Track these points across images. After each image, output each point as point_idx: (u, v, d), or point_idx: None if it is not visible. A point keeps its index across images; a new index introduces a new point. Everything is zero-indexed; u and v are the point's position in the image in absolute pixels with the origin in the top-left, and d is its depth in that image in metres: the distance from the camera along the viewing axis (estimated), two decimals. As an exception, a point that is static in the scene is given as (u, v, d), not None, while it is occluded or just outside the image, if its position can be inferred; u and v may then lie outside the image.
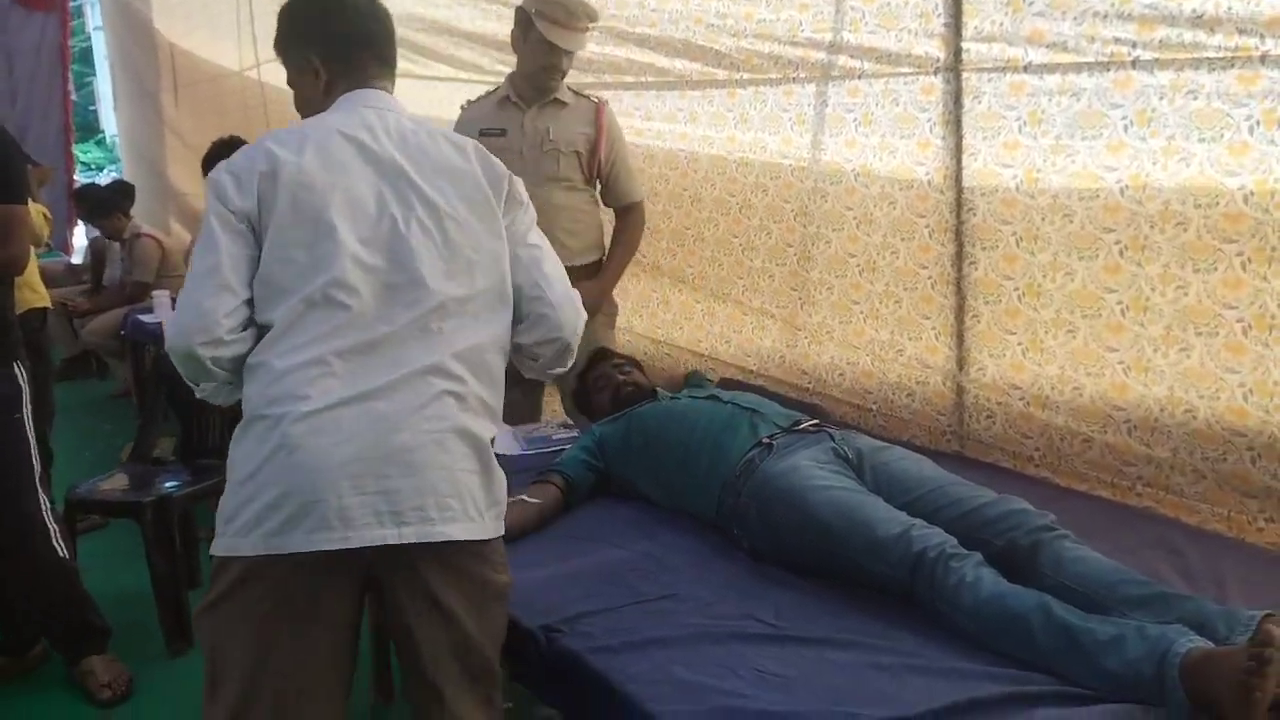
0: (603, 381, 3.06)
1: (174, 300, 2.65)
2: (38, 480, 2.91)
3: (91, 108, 15.55)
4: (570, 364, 2.01)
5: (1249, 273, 2.27)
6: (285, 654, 1.68)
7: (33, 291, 3.81)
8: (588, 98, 3.42)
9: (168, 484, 3.36)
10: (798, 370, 3.37)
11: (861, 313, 3.12)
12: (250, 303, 1.71)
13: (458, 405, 1.73)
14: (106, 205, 6.41)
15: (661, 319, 3.92)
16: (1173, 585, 1.93)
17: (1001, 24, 2.63)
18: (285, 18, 1.93)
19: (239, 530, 1.64)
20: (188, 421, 3.66)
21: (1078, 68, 2.49)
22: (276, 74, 6.66)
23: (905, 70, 2.88)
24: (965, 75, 2.73)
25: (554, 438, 3.14)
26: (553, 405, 3.81)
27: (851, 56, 3.01)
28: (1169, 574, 2.04)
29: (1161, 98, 2.35)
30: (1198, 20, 2.26)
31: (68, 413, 4.10)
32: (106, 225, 6.49)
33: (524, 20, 3.24)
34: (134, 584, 3.35)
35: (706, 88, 3.51)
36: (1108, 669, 1.67)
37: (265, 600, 1.65)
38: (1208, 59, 2.26)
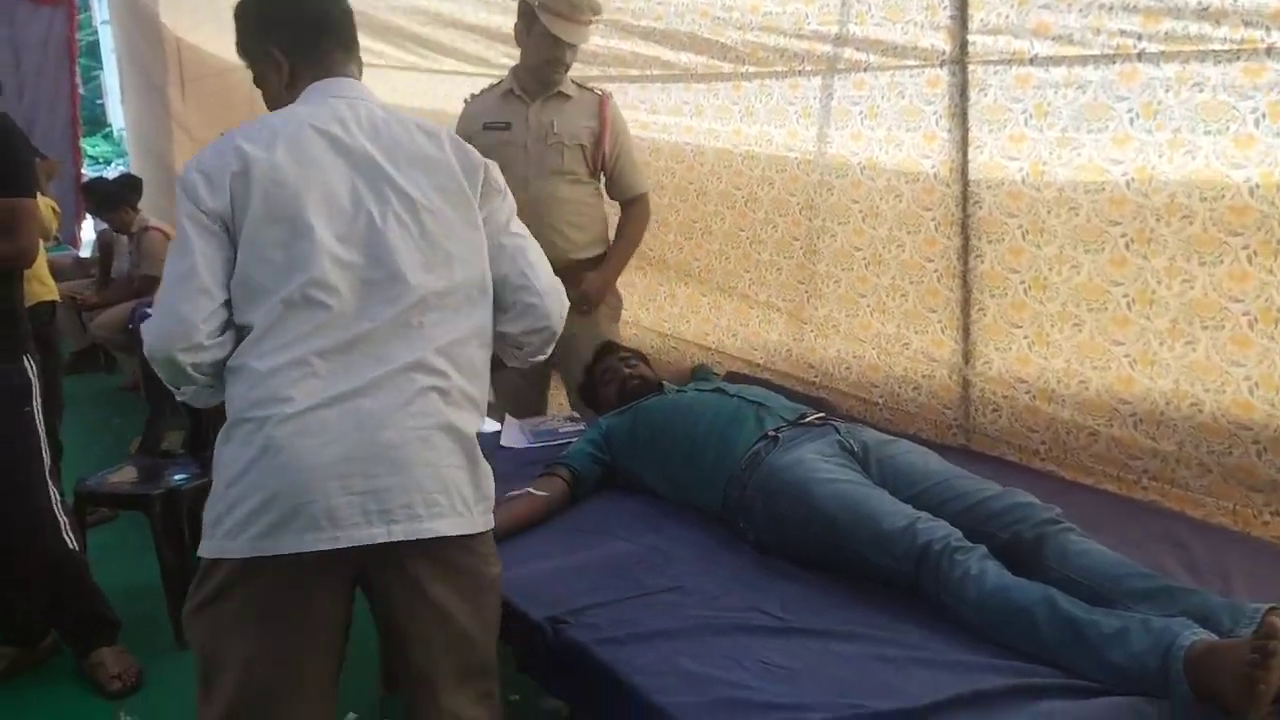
0: (609, 375, 3.07)
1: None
2: (48, 473, 2.92)
3: (99, 101, 15.56)
4: (551, 351, 2.00)
5: (1255, 266, 2.26)
6: (278, 654, 1.68)
7: (41, 284, 3.82)
8: (592, 90, 3.42)
9: (176, 476, 3.37)
10: (804, 364, 3.37)
11: (868, 306, 3.13)
12: (228, 304, 1.70)
13: (442, 400, 1.72)
14: (114, 199, 6.42)
15: (668, 312, 3.92)
16: (1178, 579, 1.94)
17: (1007, 16, 2.62)
18: (240, 15, 1.91)
19: (227, 533, 1.63)
20: (196, 414, 3.67)
21: (1083, 60, 2.49)
22: (284, 68, 6.55)
23: (911, 63, 2.87)
24: (971, 68, 2.73)
25: (560, 431, 3.15)
26: (558, 399, 3.82)
27: (857, 49, 3.01)
28: (1174, 567, 2.05)
29: (1167, 90, 2.35)
30: (1203, 12, 2.25)
31: (76, 406, 4.12)
32: (114, 219, 6.50)
33: (527, 13, 3.24)
34: (143, 576, 3.36)
35: (712, 80, 3.51)
36: (1112, 662, 1.67)
37: (256, 601, 1.65)
38: (1213, 51, 2.25)
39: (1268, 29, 2.17)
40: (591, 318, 3.41)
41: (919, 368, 3.01)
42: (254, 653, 1.67)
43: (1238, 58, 2.23)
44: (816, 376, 3.33)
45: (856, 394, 3.20)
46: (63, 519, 2.94)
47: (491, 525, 1.82)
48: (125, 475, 3.50)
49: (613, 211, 3.54)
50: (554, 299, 1.92)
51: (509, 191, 1.94)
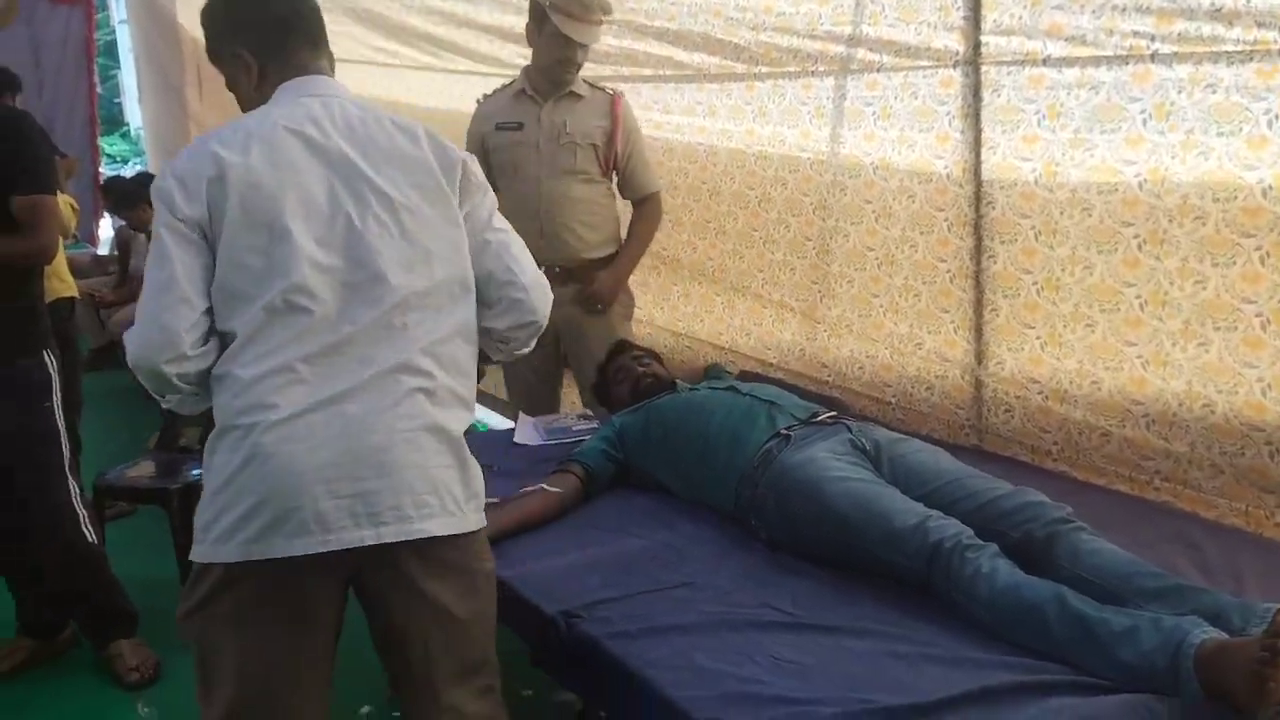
0: (622, 374, 3.09)
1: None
2: (68, 467, 2.96)
3: (116, 100, 15.62)
4: (534, 344, 2.00)
5: (1268, 267, 2.27)
6: (273, 655, 1.69)
7: (61, 281, 3.87)
8: (603, 90, 3.44)
9: (194, 471, 3.41)
10: (817, 363, 3.38)
11: (880, 306, 3.13)
12: (210, 312, 1.69)
13: (429, 401, 1.72)
14: (132, 197, 6.47)
15: (682, 312, 3.93)
16: (1189, 579, 1.94)
17: (1021, 17, 2.63)
18: (206, 20, 1.89)
19: (218, 538, 1.64)
20: (212, 410, 3.70)
21: (1096, 61, 2.49)
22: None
23: (924, 63, 2.88)
24: (984, 68, 2.74)
25: (574, 429, 3.17)
26: (570, 397, 3.83)
27: (870, 50, 3.01)
28: (1186, 568, 2.05)
29: (1180, 91, 2.35)
30: (1216, 13, 2.26)
31: (95, 402, 4.14)
32: (132, 217, 6.56)
33: (539, 14, 3.26)
34: (161, 570, 3.39)
35: (725, 81, 3.53)
36: (1122, 660, 1.68)
37: (248, 603, 1.66)
38: (1226, 52, 2.26)
39: (1281, 30, 2.17)
40: (604, 317, 3.43)
41: (932, 368, 3.02)
42: (250, 654, 1.68)
43: (1251, 59, 2.23)
44: (830, 376, 3.34)
45: (869, 394, 3.21)
46: (82, 512, 2.98)
47: (483, 524, 1.82)
48: (143, 470, 3.53)
49: (625, 211, 3.55)
50: (539, 293, 1.92)
51: (489, 187, 1.92)
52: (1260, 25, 2.20)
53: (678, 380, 3.07)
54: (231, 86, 1.91)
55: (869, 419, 2.92)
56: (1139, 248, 2.48)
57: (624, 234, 3.52)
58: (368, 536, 1.66)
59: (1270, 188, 2.24)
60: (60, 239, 3.16)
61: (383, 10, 5.37)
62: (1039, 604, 1.81)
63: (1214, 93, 2.30)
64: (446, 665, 1.78)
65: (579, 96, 3.37)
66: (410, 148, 1.81)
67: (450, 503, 1.73)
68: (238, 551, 1.63)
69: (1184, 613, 1.73)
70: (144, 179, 6.83)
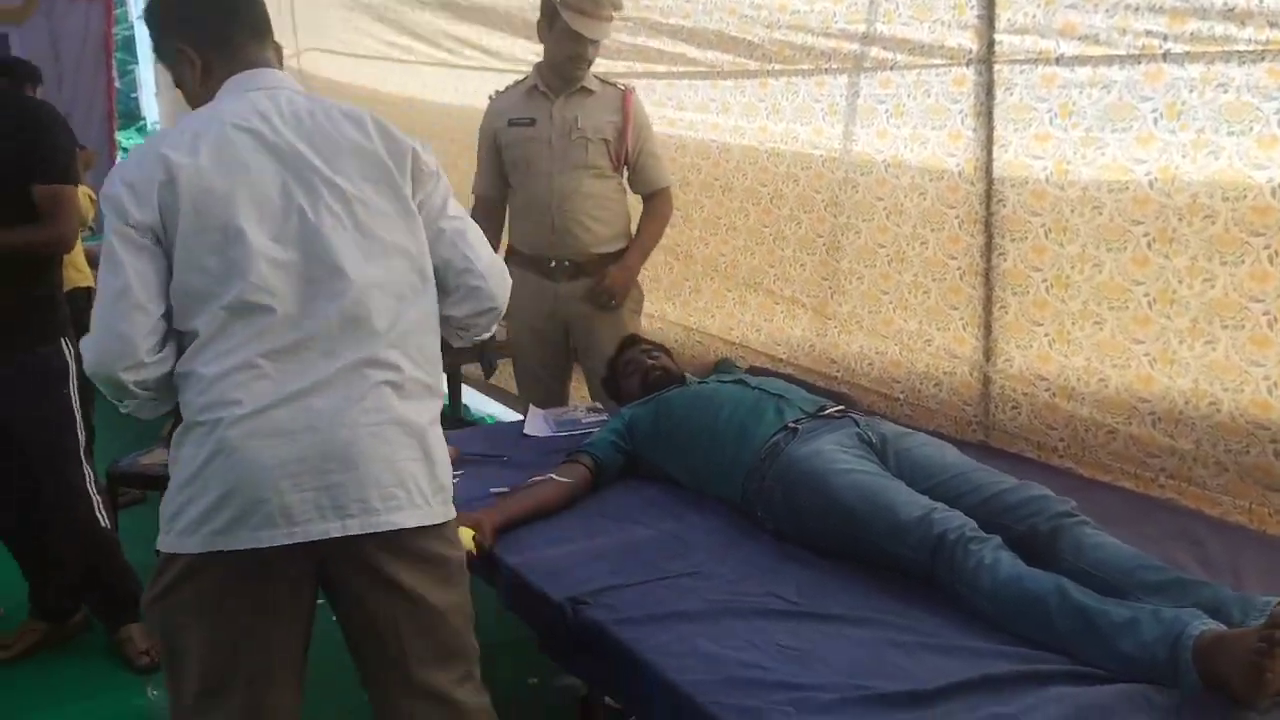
0: (632, 367, 3.11)
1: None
2: (83, 453, 3.00)
3: (133, 95, 15.67)
4: (494, 329, 2.01)
5: (1276, 266, 2.27)
6: (241, 646, 1.70)
7: (78, 271, 3.91)
8: (614, 85, 3.46)
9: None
10: (827, 359, 3.39)
11: (890, 303, 3.15)
12: (167, 315, 1.69)
13: (396, 395, 1.73)
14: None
15: (693, 307, 3.95)
16: (1191, 573, 1.95)
17: (1034, 16, 2.64)
18: (148, 17, 1.88)
19: (184, 530, 1.65)
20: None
21: (1109, 60, 2.50)
22: (316, 62, 6.69)
23: (938, 62, 2.89)
24: (997, 67, 2.75)
25: (583, 420, 3.19)
26: (580, 392, 3.85)
27: (884, 48, 3.03)
28: (1188, 563, 2.06)
29: (1191, 91, 2.36)
30: (1229, 13, 2.26)
31: (109, 391, 4.20)
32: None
33: (549, 10, 3.28)
34: (172, 557, 3.42)
35: (739, 78, 3.54)
36: (1123, 651, 1.69)
37: (212, 594, 1.67)
38: (1238, 52, 2.26)
39: (1293, 30, 2.18)
40: (614, 312, 3.45)
41: (940, 364, 3.03)
42: (215, 644, 1.69)
43: (1262, 59, 2.24)
44: (839, 372, 3.35)
45: (878, 389, 3.22)
46: (96, 498, 3.01)
47: (451, 515, 1.83)
48: (156, 458, 3.57)
49: (636, 207, 3.57)
50: (497, 279, 1.92)
51: (443, 174, 1.91)
52: (1272, 25, 2.21)
53: (687, 374, 3.08)
54: (178, 84, 1.89)
55: (877, 414, 2.93)
56: (1148, 246, 2.49)
57: (634, 229, 3.54)
58: (333, 529, 1.67)
59: None
60: (79, 229, 3.19)
61: (397, 5, 5.40)
62: (1041, 595, 1.82)
63: (1225, 92, 2.31)
64: (421, 652, 1.79)
65: (590, 92, 3.39)
66: (360, 138, 1.80)
67: (417, 495, 1.74)
68: (203, 542, 1.64)
69: (1184, 606, 1.74)
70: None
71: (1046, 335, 2.74)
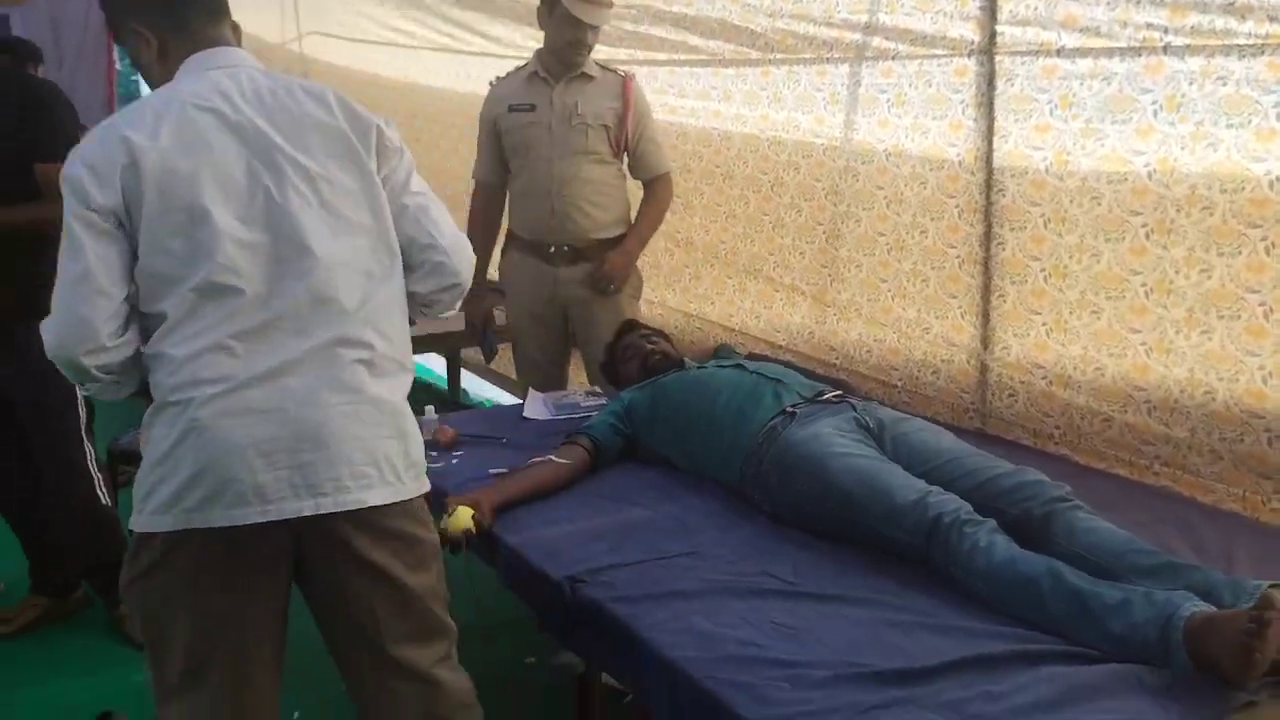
0: (631, 352, 3.12)
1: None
2: (83, 430, 3.02)
3: (134, 78, 15.65)
4: (459, 306, 2.01)
5: (1272, 257, 2.29)
6: (218, 624, 1.71)
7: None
8: (615, 71, 3.48)
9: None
10: (826, 346, 3.41)
11: (889, 291, 3.17)
12: (129, 298, 1.68)
13: (369, 373, 1.74)
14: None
15: (693, 294, 3.97)
16: (1184, 558, 1.97)
17: (1036, 8, 2.65)
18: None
19: (157, 508, 1.66)
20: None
21: (1109, 52, 2.52)
22: (318, 47, 6.68)
23: (939, 52, 2.91)
24: (999, 58, 2.76)
25: (582, 404, 3.21)
26: (579, 377, 3.87)
27: (886, 38, 3.04)
28: (1180, 548, 2.08)
29: (1191, 83, 2.38)
30: (1229, 7, 2.28)
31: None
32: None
33: None
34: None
35: (740, 66, 3.56)
36: (1114, 632, 1.72)
37: (189, 573, 1.68)
38: (1238, 46, 2.28)
39: (1292, 24, 2.20)
40: (613, 298, 3.46)
41: (938, 352, 3.05)
42: (193, 622, 1.70)
43: (1262, 52, 2.25)
44: (838, 359, 3.37)
45: (876, 377, 3.24)
46: (97, 476, 3.03)
47: (424, 490, 1.84)
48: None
49: (636, 194, 3.58)
50: (460, 255, 1.92)
51: (407, 150, 1.90)
52: (1272, 19, 2.22)
53: (685, 358, 3.10)
54: (135, 64, 1.87)
55: (874, 400, 2.95)
56: (1146, 236, 2.51)
57: (634, 216, 3.55)
58: (306, 507, 1.68)
59: (1277, 179, 2.26)
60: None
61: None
62: (1034, 577, 1.84)
63: (1224, 85, 2.33)
64: (397, 632, 1.80)
65: (590, 78, 3.41)
66: (323, 115, 1.79)
67: (389, 473, 1.75)
68: (176, 520, 1.65)
69: (1176, 588, 1.76)
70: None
71: (1044, 324, 2.76)
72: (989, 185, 2.84)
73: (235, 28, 1.88)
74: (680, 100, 3.83)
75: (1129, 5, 2.46)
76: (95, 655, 3.04)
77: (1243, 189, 2.32)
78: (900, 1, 2.99)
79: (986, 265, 2.88)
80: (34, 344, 2.85)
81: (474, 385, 5.56)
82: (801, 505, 2.27)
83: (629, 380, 3.06)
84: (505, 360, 4.16)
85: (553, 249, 3.43)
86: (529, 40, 4.25)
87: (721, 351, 3.41)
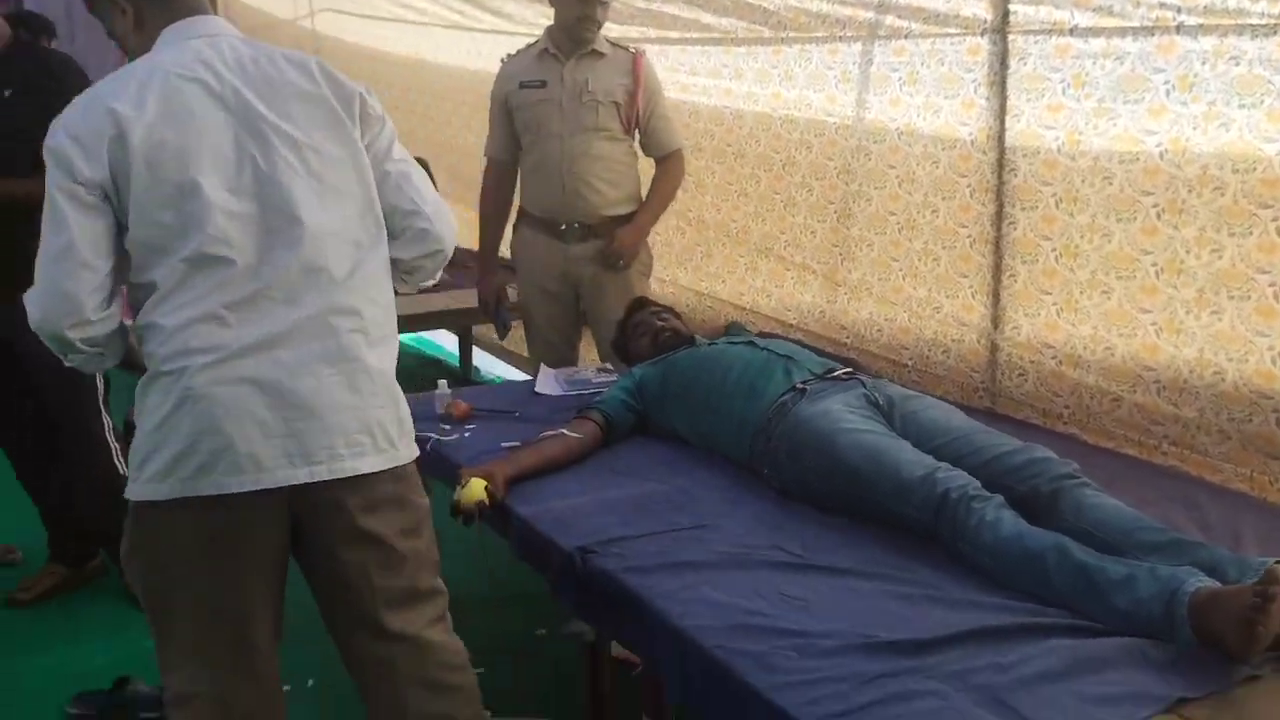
0: (642, 328, 3.13)
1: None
2: (100, 401, 3.05)
3: (146, 54, 15.65)
4: (440, 275, 2.03)
5: (1284, 237, 2.30)
6: (220, 591, 1.73)
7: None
8: (625, 49, 3.48)
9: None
10: (836, 325, 3.43)
11: (900, 270, 3.17)
12: (114, 271, 1.68)
13: (363, 341, 1.76)
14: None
15: (705, 272, 3.98)
16: (1189, 534, 1.99)
17: (1049, -13, 2.66)
18: None
19: (153, 476, 1.67)
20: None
21: (1122, 32, 2.51)
22: (330, 23, 6.68)
23: (952, 31, 2.91)
24: (1011, 37, 2.76)
25: (594, 381, 3.23)
26: (590, 355, 3.89)
27: (899, 16, 3.04)
28: (1187, 526, 2.09)
29: (1204, 63, 2.38)
30: (1243, -14, 2.28)
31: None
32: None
33: None
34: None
35: (752, 44, 3.56)
36: (1119, 607, 1.73)
37: (189, 540, 1.70)
38: (1251, 25, 2.28)
39: (1307, 4, 2.20)
40: (623, 275, 3.48)
41: (948, 331, 3.06)
42: (192, 590, 1.72)
43: (1275, 32, 2.25)
44: (848, 338, 3.38)
45: (887, 356, 3.25)
46: (114, 445, 3.07)
47: (415, 454, 1.87)
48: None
49: (647, 173, 3.59)
50: (443, 222, 1.93)
51: (389, 119, 1.90)
52: (1286, -1, 2.23)
53: (696, 335, 3.12)
54: (110, 35, 1.86)
55: (884, 378, 2.96)
56: (1157, 217, 2.51)
57: (645, 194, 3.56)
58: (301, 475, 1.70)
59: (1289, 160, 2.27)
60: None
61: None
62: (1041, 552, 1.85)
63: (1237, 65, 2.33)
64: (391, 597, 1.82)
65: (601, 55, 3.41)
66: (306, 84, 1.79)
67: (383, 440, 1.78)
68: (172, 489, 1.66)
69: (1182, 565, 1.77)
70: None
71: (1054, 304, 2.77)
72: (1001, 164, 2.84)
73: None
74: (692, 79, 3.83)
75: (1142, -16, 2.46)
76: (112, 622, 3.08)
77: (1254, 169, 2.33)
78: (913, -20, 2.99)
79: (998, 245, 2.89)
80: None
81: (486, 363, 5.59)
82: (810, 480, 2.29)
83: (640, 357, 3.07)
84: (517, 338, 4.18)
85: (564, 226, 3.45)
86: (540, 17, 4.25)
87: (732, 329, 3.43)
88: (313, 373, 1.71)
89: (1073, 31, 2.62)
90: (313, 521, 1.78)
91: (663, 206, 3.55)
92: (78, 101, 1.70)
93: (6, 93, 2.85)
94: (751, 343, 2.75)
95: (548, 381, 3.27)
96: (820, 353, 2.91)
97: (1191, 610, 1.65)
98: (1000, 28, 2.78)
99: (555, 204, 3.44)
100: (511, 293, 3.76)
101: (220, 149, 1.70)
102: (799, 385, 2.48)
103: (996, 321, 2.93)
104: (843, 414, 2.33)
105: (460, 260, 4.66)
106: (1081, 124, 2.64)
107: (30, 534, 3.37)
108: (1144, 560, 1.83)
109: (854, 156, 3.26)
